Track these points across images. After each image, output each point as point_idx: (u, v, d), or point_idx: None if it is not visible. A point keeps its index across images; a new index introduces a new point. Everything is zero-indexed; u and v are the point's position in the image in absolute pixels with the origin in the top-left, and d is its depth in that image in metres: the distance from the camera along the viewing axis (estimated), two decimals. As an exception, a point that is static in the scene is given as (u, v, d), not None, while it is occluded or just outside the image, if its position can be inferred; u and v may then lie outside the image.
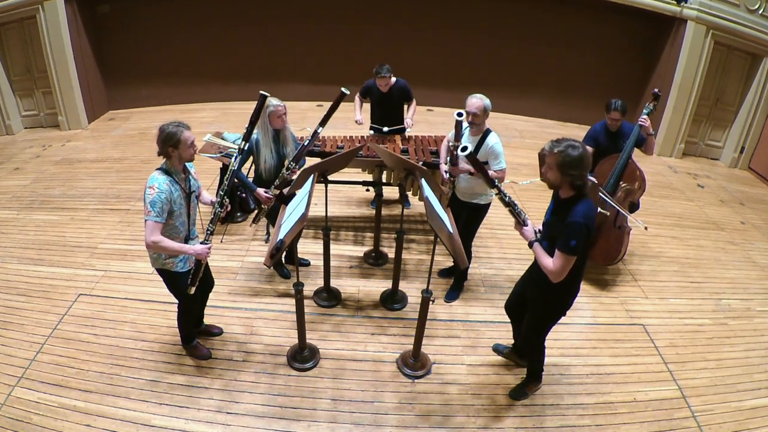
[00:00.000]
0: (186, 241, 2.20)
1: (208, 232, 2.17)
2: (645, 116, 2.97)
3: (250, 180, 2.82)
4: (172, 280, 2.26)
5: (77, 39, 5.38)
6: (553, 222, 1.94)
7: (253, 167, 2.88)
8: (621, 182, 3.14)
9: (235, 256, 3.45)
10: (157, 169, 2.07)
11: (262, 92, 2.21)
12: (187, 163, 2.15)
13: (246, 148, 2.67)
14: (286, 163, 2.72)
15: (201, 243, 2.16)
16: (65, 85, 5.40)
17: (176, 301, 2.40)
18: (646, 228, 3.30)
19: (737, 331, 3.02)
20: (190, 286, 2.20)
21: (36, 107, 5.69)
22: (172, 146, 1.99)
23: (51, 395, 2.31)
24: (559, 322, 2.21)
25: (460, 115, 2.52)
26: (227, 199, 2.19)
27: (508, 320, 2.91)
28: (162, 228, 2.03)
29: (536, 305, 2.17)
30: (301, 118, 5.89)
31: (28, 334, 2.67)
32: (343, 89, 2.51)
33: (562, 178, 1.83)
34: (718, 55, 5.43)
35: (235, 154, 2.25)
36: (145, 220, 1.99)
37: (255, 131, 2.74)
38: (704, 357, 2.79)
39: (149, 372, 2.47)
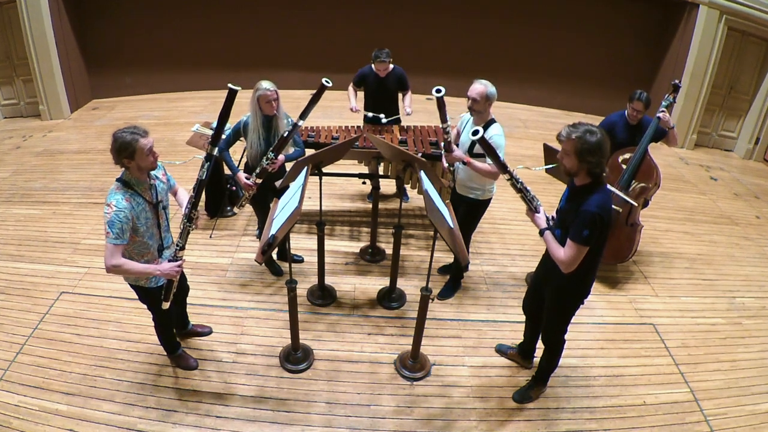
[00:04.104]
0: (160, 251, 2.03)
1: (178, 247, 1.95)
2: (664, 109, 2.87)
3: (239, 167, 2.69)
4: (146, 295, 2.11)
5: (59, 24, 5.21)
6: (567, 210, 1.88)
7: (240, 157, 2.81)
8: (635, 180, 3.00)
9: (225, 252, 3.37)
10: (117, 179, 1.86)
11: (230, 85, 1.88)
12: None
13: (229, 135, 2.58)
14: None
15: (169, 261, 1.96)
16: (46, 72, 5.24)
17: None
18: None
19: (752, 331, 2.95)
20: (164, 301, 2.04)
21: (16, 96, 5.54)
22: (127, 157, 1.78)
23: (32, 398, 2.25)
24: (570, 322, 2.12)
25: (438, 91, 2.40)
26: (196, 212, 1.95)
27: (511, 320, 2.84)
28: (124, 249, 1.83)
29: (551, 299, 2.11)
30: (295, 107, 5.65)
31: (7, 334, 2.60)
32: (324, 80, 2.41)
33: (579, 165, 1.76)
34: (732, 42, 5.29)
35: (204, 163, 1.94)
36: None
37: (245, 114, 2.63)
38: (717, 358, 2.73)
39: (135, 374, 2.41)
